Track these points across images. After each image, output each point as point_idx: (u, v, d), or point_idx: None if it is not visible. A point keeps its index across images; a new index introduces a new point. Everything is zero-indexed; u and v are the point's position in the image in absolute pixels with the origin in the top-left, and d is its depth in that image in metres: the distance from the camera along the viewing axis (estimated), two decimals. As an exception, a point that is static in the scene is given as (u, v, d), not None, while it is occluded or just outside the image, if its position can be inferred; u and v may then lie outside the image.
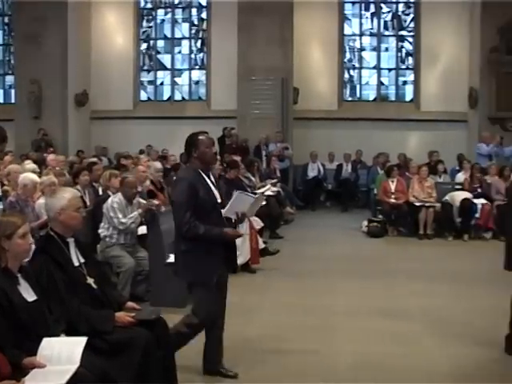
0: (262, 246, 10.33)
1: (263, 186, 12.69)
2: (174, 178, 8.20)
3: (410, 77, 19.34)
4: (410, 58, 19.37)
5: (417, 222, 13.01)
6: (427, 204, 12.97)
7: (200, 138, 5.35)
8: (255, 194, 5.67)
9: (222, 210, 5.43)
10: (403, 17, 19.40)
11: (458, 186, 13.61)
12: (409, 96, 19.35)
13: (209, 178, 5.39)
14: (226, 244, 5.36)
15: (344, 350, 6.37)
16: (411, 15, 19.23)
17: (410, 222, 13.22)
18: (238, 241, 9.44)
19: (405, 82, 19.49)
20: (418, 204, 13.03)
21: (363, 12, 19.43)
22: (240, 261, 9.44)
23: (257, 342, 6.56)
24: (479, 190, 13.35)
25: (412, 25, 19.22)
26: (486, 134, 15.98)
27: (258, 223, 10.58)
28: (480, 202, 12.96)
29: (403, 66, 19.48)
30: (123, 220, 7.87)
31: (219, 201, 5.41)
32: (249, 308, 7.75)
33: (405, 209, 13.18)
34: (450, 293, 8.62)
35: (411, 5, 19.19)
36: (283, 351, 6.28)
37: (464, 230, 12.92)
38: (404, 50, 19.46)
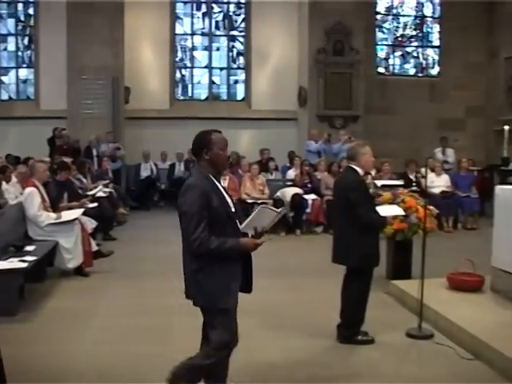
0: (94, 248, 10.07)
1: (95, 188, 12.44)
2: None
3: (241, 76, 19.60)
4: (241, 58, 19.62)
5: (249, 219, 13.17)
6: (259, 201, 13.14)
7: (213, 137, 4.64)
8: (277, 208, 4.91)
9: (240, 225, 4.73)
10: (234, 17, 19.61)
11: (289, 183, 13.94)
12: (240, 95, 19.61)
13: (219, 183, 4.74)
14: (243, 261, 4.75)
15: (181, 348, 6.31)
16: (242, 15, 19.49)
17: (244, 220, 13.34)
18: (70, 243, 9.30)
19: (236, 82, 19.73)
20: (250, 201, 13.24)
21: (195, 12, 19.45)
22: (72, 264, 9.23)
23: (93, 345, 6.40)
24: (309, 186, 13.75)
25: (243, 25, 19.47)
26: (314, 132, 16.51)
27: (90, 225, 10.34)
28: (310, 197, 13.36)
29: (234, 66, 19.70)
30: None
31: (233, 210, 4.75)
32: (84, 313, 7.53)
33: (237, 206, 13.29)
34: (285, 287, 8.82)
35: (242, 5, 19.44)
36: (120, 353, 6.17)
37: (296, 226, 13.26)
38: (235, 50, 19.67)
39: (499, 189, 7.92)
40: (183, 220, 4.53)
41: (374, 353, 6.29)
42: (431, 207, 9.76)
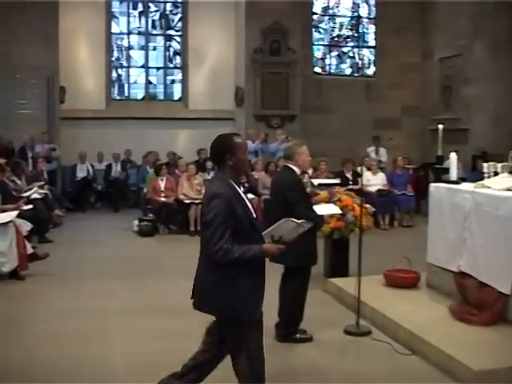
0: (30, 250, 9.86)
1: (30, 189, 12.20)
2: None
3: (178, 76, 19.50)
4: (177, 58, 19.51)
5: (187, 219, 13.14)
6: (196, 201, 13.12)
7: (237, 141, 4.46)
8: (298, 220, 4.65)
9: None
10: (171, 16, 19.48)
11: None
12: (177, 95, 19.50)
13: (240, 189, 4.51)
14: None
15: (121, 350, 6.28)
16: (179, 15, 19.38)
17: (181, 220, 13.33)
18: (4, 246, 9.11)
19: (173, 81, 19.62)
20: (187, 201, 13.18)
21: (131, 11, 19.23)
22: (7, 268, 9.04)
23: (30, 350, 6.25)
24: (246, 186, 13.74)
25: (180, 24, 19.37)
26: (251, 132, 16.55)
27: (25, 227, 10.14)
28: (248, 196, 13.32)
29: (171, 65, 19.58)
30: None
31: (254, 216, 4.53)
32: (19, 317, 7.36)
33: (175, 207, 13.28)
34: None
35: (179, 4, 19.32)
36: (58, 357, 6.05)
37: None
38: (172, 49, 19.56)
39: (433, 187, 8.05)
40: (207, 229, 4.29)
41: (312, 350, 6.33)
42: (367, 205, 9.88)
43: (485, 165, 7.83)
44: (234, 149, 4.40)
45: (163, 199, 13.36)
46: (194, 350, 6.17)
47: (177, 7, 19.43)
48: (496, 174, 7.57)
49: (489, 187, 7.09)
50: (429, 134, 18.34)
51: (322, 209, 7.15)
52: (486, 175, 7.64)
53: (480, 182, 7.37)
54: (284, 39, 17.76)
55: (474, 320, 6.51)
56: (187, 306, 7.86)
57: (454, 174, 7.84)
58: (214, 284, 4.37)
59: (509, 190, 6.88)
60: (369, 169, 14.82)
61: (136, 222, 13.32)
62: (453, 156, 7.94)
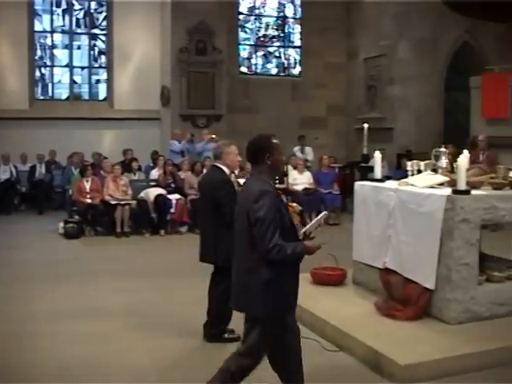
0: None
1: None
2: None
3: (103, 75, 19.25)
4: (102, 57, 19.26)
5: (113, 220, 12.98)
6: (123, 202, 13.00)
7: (274, 141, 4.56)
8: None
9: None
10: (96, 15, 19.20)
11: (152, 183, 13.82)
12: (102, 95, 19.26)
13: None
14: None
15: (48, 354, 6.16)
16: (104, 13, 19.12)
17: (107, 221, 13.16)
18: None
19: (98, 81, 19.36)
20: (113, 202, 13.01)
21: (54, 8, 18.85)
22: None
23: None
24: (173, 186, 13.69)
25: (105, 23, 19.11)
26: (177, 132, 16.46)
27: None
28: (174, 197, 13.29)
29: (96, 65, 19.31)
30: None
31: None
32: None
33: (101, 208, 13.10)
34: (151, 288, 8.75)
35: (104, 3, 19.06)
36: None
37: (160, 226, 13.17)
38: (97, 49, 19.29)
39: (358, 185, 8.16)
40: (259, 227, 4.29)
41: (241, 350, 6.32)
42: (294, 204, 9.89)
43: (408, 163, 7.97)
44: (272, 149, 4.51)
45: (89, 200, 13.17)
46: (122, 352, 6.15)
47: (101, 6, 19.15)
48: (419, 171, 7.71)
49: (412, 185, 7.22)
50: (354, 133, 18.61)
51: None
52: (409, 173, 7.77)
53: (404, 180, 7.51)
54: (210, 39, 17.72)
55: (399, 315, 6.61)
56: (116, 307, 7.86)
57: (378, 173, 7.95)
58: (262, 284, 4.38)
59: (432, 187, 7.02)
60: (295, 168, 14.91)
61: (61, 224, 13.07)
62: (377, 155, 8.04)
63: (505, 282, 6.98)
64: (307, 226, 4.65)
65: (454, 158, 7.30)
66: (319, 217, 4.74)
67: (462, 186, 6.49)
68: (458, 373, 5.51)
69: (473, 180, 7.02)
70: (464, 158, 6.71)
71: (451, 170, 7.44)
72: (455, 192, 6.51)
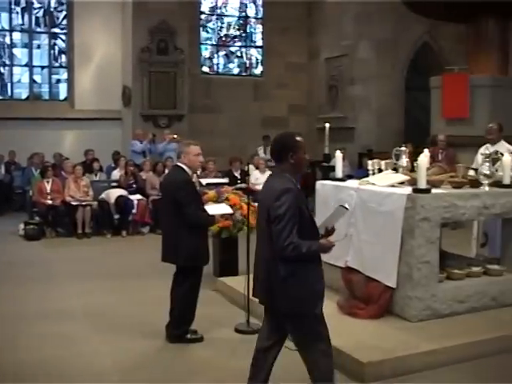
0: None
1: None
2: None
3: (64, 75, 19.07)
4: (63, 56, 19.07)
5: (75, 221, 12.86)
6: (84, 203, 12.90)
7: (299, 139, 4.56)
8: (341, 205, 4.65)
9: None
10: (56, 13, 19.01)
11: (114, 184, 13.73)
12: (63, 94, 19.07)
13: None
14: None
15: (9, 357, 6.08)
16: (64, 12, 18.92)
17: (68, 222, 13.03)
18: None
19: (58, 81, 19.17)
20: (74, 203, 12.89)
21: (13, 6, 18.60)
22: None
23: None
24: (134, 186, 13.61)
25: (65, 22, 18.92)
26: (139, 132, 16.37)
27: None
28: (136, 197, 13.23)
29: (56, 64, 19.13)
30: None
31: None
32: None
33: (62, 209, 12.97)
34: (114, 289, 8.69)
35: (64, 1, 18.85)
36: None
37: (122, 227, 13.09)
38: (57, 48, 19.10)
39: (319, 184, 8.19)
40: (277, 223, 4.32)
41: (203, 350, 6.31)
42: (256, 204, 9.91)
43: (369, 162, 8.02)
44: (296, 148, 4.52)
45: (49, 202, 13.02)
46: (85, 355, 6.09)
47: (61, 4, 18.96)
48: (380, 170, 7.77)
49: (373, 184, 7.27)
50: (316, 132, 18.66)
51: (213, 209, 7.15)
52: (370, 172, 7.83)
53: (365, 179, 7.55)
54: (171, 39, 17.65)
55: (361, 314, 6.65)
56: (78, 309, 7.80)
57: (339, 172, 7.98)
58: (284, 279, 4.40)
59: (392, 186, 7.07)
60: (257, 168, 14.93)
61: (22, 226, 12.90)
62: (338, 154, 8.07)
63: (465, 280, 7.06)
64: (326, 221, 4.67)
65: (414, 157, 7.36)
66: (336, 210, 4.71)
67: (422, 184, 6.55)
68: (420, 370, 5.56)
69: (433, 179, 7.09)
70: (424, 157, 6.77)
71: (412, 168, 7.50)
72: (416, 191, 6.56)
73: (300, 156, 4.55)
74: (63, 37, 19.03)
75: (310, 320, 4.55)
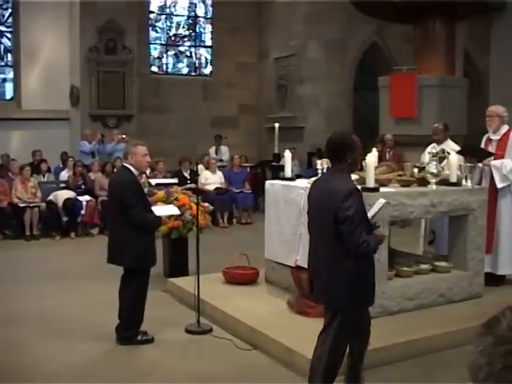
0: None
1: None
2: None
3: (10, 74, 18.76)
4: (9, 55, 18.76)
5: (22, 223, 12.68)
6: (32, 204, 12.71)
7: (355, 139, 4.68)
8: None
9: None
10: (1, 11, 18.67)
11: (62, 185, 13.57)
12: (9, 94, 18.74)
13: None
14: None
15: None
16: (9, 10, 18.60)
17: (16, 224, 12.83)
18: None
19: (4, 80, 18.84)
20: (22, 205, 12.69)
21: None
22: None
23: None
24: (83, 187, 13.47)
25: (10, 20, 18.59)
26: (87, 132, 16.21)
27: None
28: (85, 198, 13.09)
29: (2, 63, 18.78)
30: None
31: None
32: None
33: (9, 211, 12.76)
34: (63, 291, 8.58)
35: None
36: None
37: (71, 228, 12.94)
38: (2, 47, 18.77)
39: (269, 184, 8.21)
40: (348, 225, 4.44)
41: (154, 352, 6.28)
42: (206, 204, 9.93)
43: (318, 161, 8.06)
44: (353, 147, 4.65)
45: (-4, 203, 12.83)
46: (37, 357, 6.00)
47: (7, 2, 18.61)
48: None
49: (322, 183, 7.30)
50: (265, 132, 18.71)
51: (160, 210, 7.12)
52: (319, 171, 7.86)
53: (314, 179, 7.58)
54: (120, 38, 17.48)
55: (311, 312, 6.67)
56: (27, 313, 7.68)
57: (288, 171, 8.01)
58: (349, 275, 4.55)
59: (341, 185, 7.11)
60: (207, 168, 14.91)
61: (-36, 229, 12.68)
62: (287, 154, 8.10)
63: (413, 277, 7.15)
64: (371, 216, 4.79)
65: (362, 156, 7.41)
66: (377, 204, 4.86)
67: (370, 183, 6.59)
68: (369, 367, 5.59)
69: (381, 178, 7.15)
70: (372, 157, 6.82)
71: (360, 168, 7.55)
72: (364, 189, 6.59)
73: (356, 156, 4.70)
74: (9, 35, 18.70)
75: (361, 313, 4.87)
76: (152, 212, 6.59)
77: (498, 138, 8.09)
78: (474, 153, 8.07)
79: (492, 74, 19.84)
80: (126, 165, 6.47)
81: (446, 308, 7.04)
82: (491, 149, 8.12)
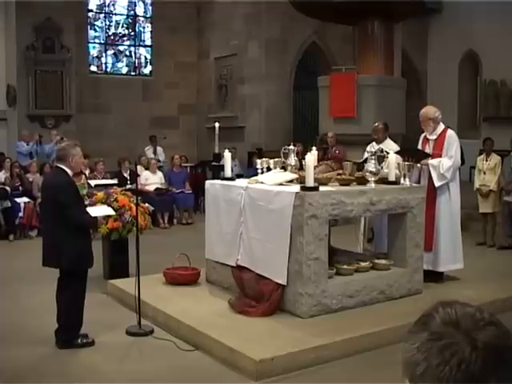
0: None
1: None
2: None
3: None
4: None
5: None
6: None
7: None
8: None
9: None
10: None
11: (1, 186, 13.30)
12: None
13: None
14: None
15: None
16: None
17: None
18: None
19: None
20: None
21: None
22: None
23: None
24: (21, 189, 13.24)
25: None
26: (25, 133, 15.91)
27: None
28: (23, 200, 12.87)
29: None
30: None
31: None
32: None
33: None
34: (0, 295, 8.38)
35: None
36: None
37: (9, 231, 12.70)
38: None
39: (209, 183, 8.21)
40: None
41: (94, 355, 6.20)
42: (146, 204, 9.87)
43: (258, 161, 8.09)
44: None
45: None
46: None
47: None
48: (269, 169, 7.84)
49: (262, 182, 7.33)
50: (206, 132, 18.70)
51: (95, 211, 7.04)
52: (259, 171, 7.89)
53: (254, 178, 7.61)
54: (58, 37, 17.23)
55: (252, 312, 6.69)
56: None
57: (228, 171, 8.01)
58: None
59: (281, 184, 7.15)
60: (146, 168, 14.81)
61: None
62: (226, 154, 8.10)
63: (353, 275, 7.22)
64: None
65: (302, 155, 7.46)
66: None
67: (310, 182, 6.64)
68: (311, 364, 5.65)
69: (321, 177, 7.20)
70: (312, 156, 6.87)
71: (300, 167, 7.60)
72: (304, 189, 6.65)
73: None
74: None
75: None
76: (87, 213, 6.53)
77: (435, 137, 8.23)
78: (411, 153, 8.19)
79: (429, 74, 20.18)
80: (60, 166, 6.37)
81: (386, 305, 7.13)
82: (429, 148, 8.25)
